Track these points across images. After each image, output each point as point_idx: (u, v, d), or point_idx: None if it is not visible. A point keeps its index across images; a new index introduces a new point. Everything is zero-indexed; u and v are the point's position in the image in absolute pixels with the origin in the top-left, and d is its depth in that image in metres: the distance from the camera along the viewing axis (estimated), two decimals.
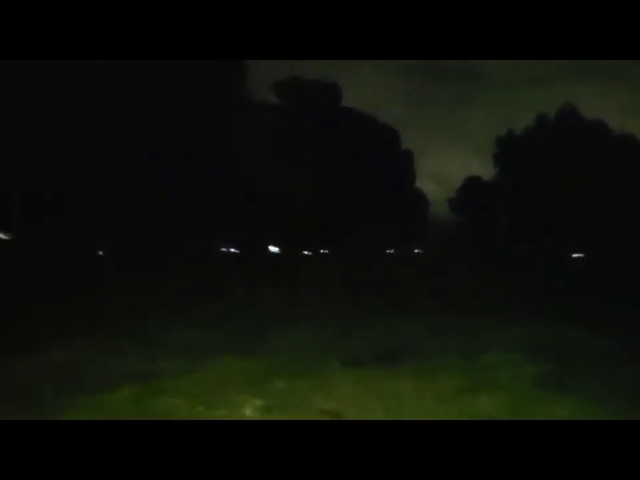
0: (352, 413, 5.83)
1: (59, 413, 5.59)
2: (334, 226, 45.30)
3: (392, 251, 58.17)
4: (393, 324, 11.52)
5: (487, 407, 6.17)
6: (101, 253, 30.77)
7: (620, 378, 7.45)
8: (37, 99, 22.88)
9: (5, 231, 29.55)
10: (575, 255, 51.83)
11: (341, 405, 6.08)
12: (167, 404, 6.02)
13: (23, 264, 22.33)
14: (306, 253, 47.63)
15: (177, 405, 6.02)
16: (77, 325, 10.71)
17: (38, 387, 6.64)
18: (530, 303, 15.86)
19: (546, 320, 12.28)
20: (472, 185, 60.62)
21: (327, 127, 44.71)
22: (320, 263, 37.06)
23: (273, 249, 45.59)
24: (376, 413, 5.88)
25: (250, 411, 5.89)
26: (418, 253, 62.83)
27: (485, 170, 60.68)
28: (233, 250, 41.05)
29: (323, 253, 49.62)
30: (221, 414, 5.76)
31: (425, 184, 59.43)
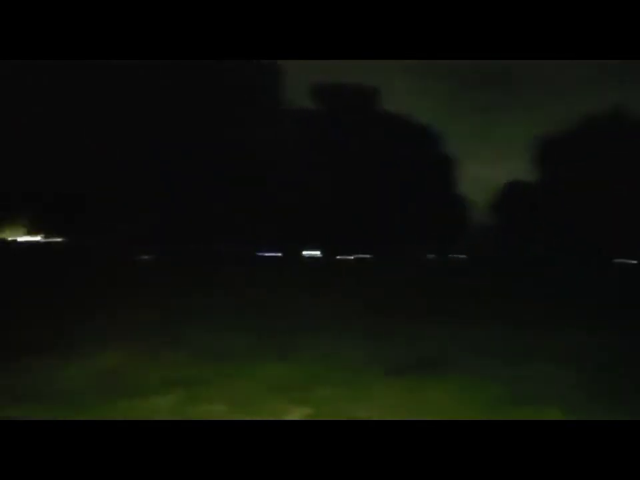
0: None
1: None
2: (373, 231, 45.10)
3: (432, 256, 57.51)
4: (435, 331, 11.35)
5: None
6: (141, 257, 31.27)
7: None
8: (80, 100, 23.16)
9: (38, 233, 30.40)
10: (621, 261, 50.23)
11: (386, 416, 5.99)
12: (209, 411, 6.03)
13: (58, 267, 22.85)
14: (344, 257, 47.47)
15: (219, 412, 6.01)
16: (119, 330, 10.84)
17: (80, 390, 6.74)
18: (575, 311, 15.42)
19: (592, 329, 11.92)
20: (513, 189, 59.51)
21: (366, 131, 44.58)
22: (358, 268, 36.91)
23: (311, 253, 45.63)
24: None
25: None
26: (458, 257, 61.92)
27: (526, 174, 59.34)
28: (271, 254, 41.23)
29: (362, 258, 49.36)
30: None
31: (466, 188, 58.23)
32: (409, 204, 47.12)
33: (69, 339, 9.75)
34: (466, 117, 78.79)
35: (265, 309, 14.44)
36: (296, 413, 5.97)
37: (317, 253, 45.56)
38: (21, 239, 30.91)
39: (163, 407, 6.16)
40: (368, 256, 49.03)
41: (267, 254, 40.97)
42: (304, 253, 44.29)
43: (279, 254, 40.62)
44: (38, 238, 31.51)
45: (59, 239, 30.86)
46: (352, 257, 48.02)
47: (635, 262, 48.98)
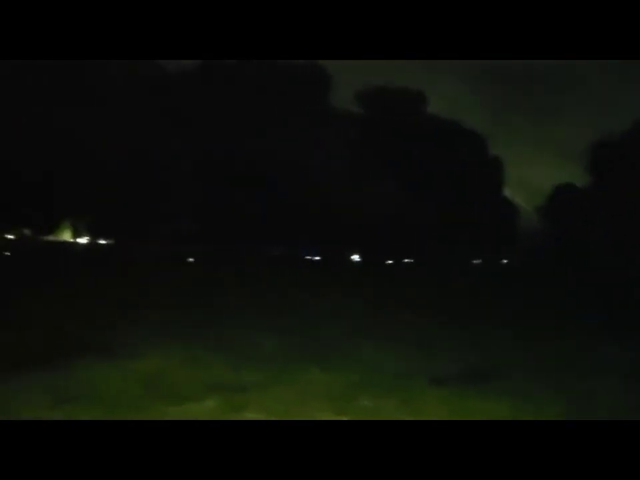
0: None
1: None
2: (418, 235, 44.59)
3: (479, 261, 56.53)
4: (481, 340, 11.04)
5: None
6: (191, 259, 31.71)
7: None
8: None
9: (90, 235, 31.21)
10: None
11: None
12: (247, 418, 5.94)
13: (108, 268, 23.35)
14: (388, 262, 47.11)
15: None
16: (166, 333, 10.92)
17: (125, 393, 6.77)
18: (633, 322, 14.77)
19: None
20: (562, 193, 57.97)
21: (411, 135, 44.18)
22: (402, 273, 36.54)
23: (355, 257, 45.46)
24: None
25: None
26: (505, 263, 60.62)
27: (576, 177, 57.72)
28: (314, 257, 41.29)
29: (406, 263, 48.87)
30: None
31: (513, 192, 57.07)
32: (456, 208, 46.42)
33: (116, 340, 9.87)
34: (517, 120, 77.29)
35: (308, 312, 14.36)
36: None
37: (358, 256, 45.41)
38: (76, 240, 31.89)
39: (201, 412, 6.11)
40: (411, 260, 48.58)
41: (309, 257, 41.08)
42: (347, 256, 44.20)
43: (320, 257, 40.65)
44: (89, 240, 32.42)
45: (108, 241, 31.65)
46: (395, 261, 47.67)
47: None
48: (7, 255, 26.84)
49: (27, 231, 30.17)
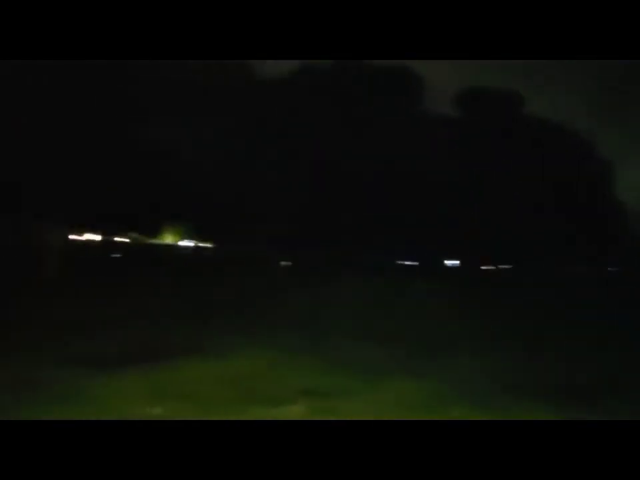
0: None
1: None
2: (518, 240, 42.86)
3: (582, 267, 53.45)
4: (581, 355, 10.41)
5: None
6: (286, 263, 32.26)
7: None
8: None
9: (192, 239, 32.50)
10: None
11: None
12: None
13: (208, 270, 24.16)
14: (486, 268, 45.59)
15: None
16: (259, 335, 11.15)
17: (217, 393, 6.96)
18: None
19: None
20: None
21: (511, 137, 42.59)
22: (500, 279, 35.24)
23: (451, 262, 44.37)
24: None
25: None
26: (615, 271, 56.87)
27: None
28: (410, 263, 40.73)
29: (505, 269, 47.05)
30: None
31: (624, 196, 53.61)
32: (558, 212, 44.22)
33: (209, 340, 10.19)
34: (625, 120, 72.46)
35: (401, 318, 14.18)
36: None
37: (457, 262, 44.26)
38: (180, 243, 33.46)
39: (289, 416, 6.17)
40: (511, 266, 46.70)
41: (406, 262, 40.58)
42: (444, 262, 43.26)
43: (417, 263, 40.06)
44: (191, 243, 33.90)
45: (208, 245, 32.94)
46: (494, 267, 46.03)
47: None
48: (118, 257, 28.74)
49: (135, 235, 32.05)
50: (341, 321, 13.35)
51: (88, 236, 30.15)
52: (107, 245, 30.61)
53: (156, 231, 31.52)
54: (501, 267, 46.69)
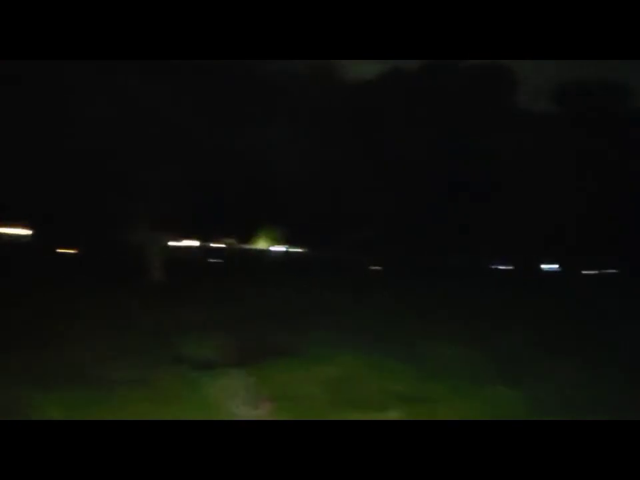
0: None
1: None
2: (623, 242, 40.34)
3: None
4: None
5: None
6: (376, 267, 32.20)
7: None
8: None
9: (285, 244, 33.14)
10: None
11: None
12: None
13: (298, 273, 24.52)
14: (588, 272, 43.22)
15: None
16: (354, 338, 11.20)
17: (314, 396, 7.11)
18: None
19: None
20: None
21: (616, 136, 40.22)
22: (605, 285, 33.31)
23: (549, 266, 42.47)
24: None
25: None
26: None
27: None
28: (504, 267, 39.42)
29: (611, 273, 44.36)
30: None
31: None
32: None
33: (306, 342, 10.38)
34: None
35: (496, 323, 13.79)
36: None
37: (556, 266, 42.32)
38: (273, 248, 34.32)
39: None
40: (615, 271, 43.93)
41: (500, 266, 39.32)
42: (542, 266, 41.53)
43: (512, 267, 38.71)
44: (284, 248, 34.67)
45: (300, 249, 33.54)
46: (596, 272, 43.56)
47: None
48: (216, 262, 30.04)
49: (231, 240, 33.22)
50: (435, 325, 13.19)
51: (186, 242, 31.61)
52: (204, 250, 31.99)
53: (250, 236, 32.48)
54: (606, 271, 44.08)
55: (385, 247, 30.63)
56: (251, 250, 33.28)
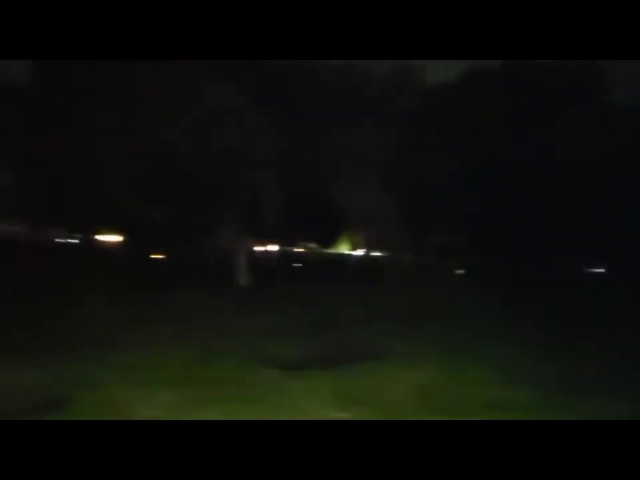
0: None
1: None
2: None
3: None
4: None
5: None
6: (460, 271, 31.52)
7: None
8: None
9: (376, 249, 33.09)
10: None
11: None
12: None
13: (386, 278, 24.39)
14: None
15: None
16: (440, 344, 11.01)
17: (401, 401, 7.05)
18: None
19: None
20: None
21: None
22: None
23: None
24: None
25: None
26: None
27: None
28: (598, 270, 37.49)
29: None
30: None
31: None
32: None
33: (392, 348, 10.32)
34: None
35: (596, 332, 13.05)
36: None
37: None
38: (354, 253, 34.42)
39: None
40: None
41: (594, 270, 37.46)
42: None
43: (604, 270, 36.76)
44: (365, 252, 34.66)
45: (381, 254, 33.41)
46: None
47: None
48: (298, 266, 30.55)
49: (312, 245, 33.62)
50: (524, 331, 12.74)
51: (269, 247, 32.28)
52: (287, 254, 32.57)
53: (332, 241, 32.71)
54: None
55: (471, 250, 29.96)
56: (333, 254, 33.55)
